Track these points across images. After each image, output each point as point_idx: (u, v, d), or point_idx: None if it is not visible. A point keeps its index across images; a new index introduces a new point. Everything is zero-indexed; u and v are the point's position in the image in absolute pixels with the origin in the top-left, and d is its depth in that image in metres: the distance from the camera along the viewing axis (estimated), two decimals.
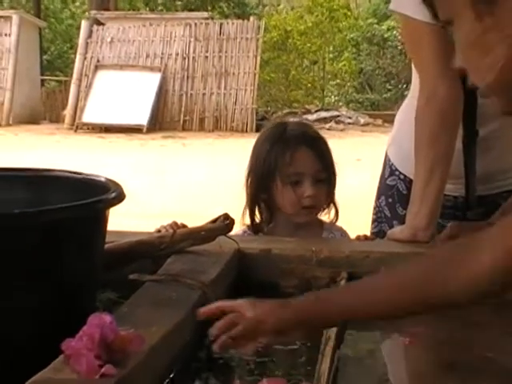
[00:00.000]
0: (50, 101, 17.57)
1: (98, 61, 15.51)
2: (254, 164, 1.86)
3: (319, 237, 1.86)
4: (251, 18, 16.27)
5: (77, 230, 1.16)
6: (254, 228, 1.88)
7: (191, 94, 15.21)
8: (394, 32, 20.01)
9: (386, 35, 21.00)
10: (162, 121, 15.08)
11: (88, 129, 14.80)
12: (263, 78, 18.32)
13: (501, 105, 1.07)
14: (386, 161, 2.03)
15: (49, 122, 16.78)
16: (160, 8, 22.32)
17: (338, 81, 21.98)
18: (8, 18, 16.11)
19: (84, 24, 16.07)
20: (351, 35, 21.91)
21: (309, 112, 16.57)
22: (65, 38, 24.38)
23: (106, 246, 1.33)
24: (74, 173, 1.41)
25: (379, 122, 16.15)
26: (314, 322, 1.07)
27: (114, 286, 1.44)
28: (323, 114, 16.53)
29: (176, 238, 1.48)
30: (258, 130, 11.46)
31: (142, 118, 14.44)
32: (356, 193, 5.45)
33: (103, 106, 14.52)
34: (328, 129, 14.23)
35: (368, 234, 1.93)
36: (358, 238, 1.79)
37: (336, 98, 21.91)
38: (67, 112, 15.45)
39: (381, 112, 18.11)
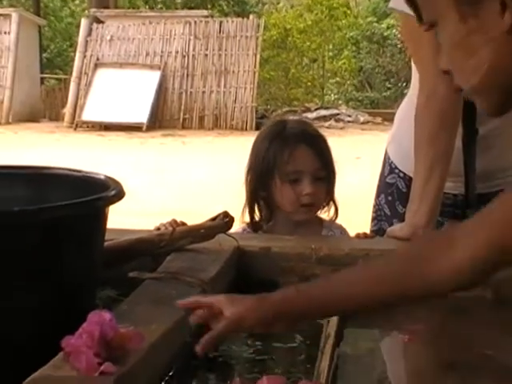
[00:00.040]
0: (49, 99, 17.54)
1: (98, 59, 15.50)
2: (254, 162, 1.86)
3: (319, 235, 1.86)
4: (251, 17, 16.26)
5: (76, 228, 1.16)
6: (254, 226, 1.88)
7: (191, 92, 15.20)
8: (394, 30, 19.99)
9: (385, 33, 20.98)
10: (161, 119, 15.07)
11: (88, 127, 14.80)
12: (263, 76, 18.30)
13: (485, 106, 1.08)
14: (386, 159, 2.03)
15: (48, 120, 16.76)
16: (160, 6, 22.29)
17: (338, 79, 21.97)
18: (7, 16, 16.08)
19: (84, 22, 16.05)
20: (351, 33, 21.88)
21: (308, 110, 16.56)
22: (64, 36, 24.34)
23: (106, 243, 1.34)
24: (74, 170, 1.41)
25: (379, 120, 16.14)
26: (294, 316, 1.06)
27: (114, 284, 1.44)
28: (323, 113, 16.52)
29: (175, 235, 1.49)
30: (257, 128, 11.45)
31: (142, 116, 14.43)
32: (356, 191, 5.45)
33: (103, 104, 14.51)
34: (328, 127, 14.22)
35: (368, 231, 1.92)
36: (358, 235, 1.79)
37: (336, 96, 21.90)
38: (67, 110, 15.44)
39: (380, 110, 18.10)
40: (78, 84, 15.37)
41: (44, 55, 20.89)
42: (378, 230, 1.98)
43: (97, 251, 1.25)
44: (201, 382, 1.15)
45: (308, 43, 20.46)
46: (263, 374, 1.04)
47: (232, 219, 1.54)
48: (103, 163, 7.19)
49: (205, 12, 17.30)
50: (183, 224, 1.60)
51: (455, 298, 1.42)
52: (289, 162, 1.80)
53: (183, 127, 14.86)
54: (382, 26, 21.23)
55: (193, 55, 15.33)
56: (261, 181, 1.84)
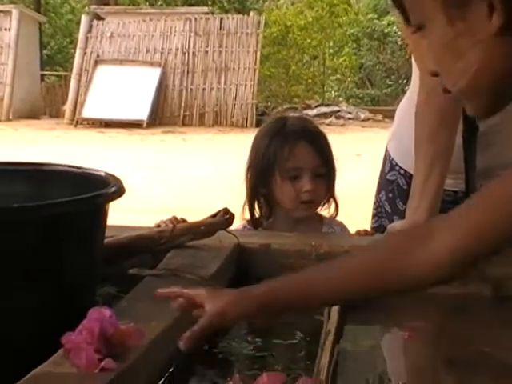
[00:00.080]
0: (49, 96, 17.54)
1: (98, 56, 15.49)
2: (254, 159, 1.86)
3: (319, 232, 1.86)
4: (251, 13, 16.25)
5: (76, 225, 1.16)
6: (254, 223, 1.88)
7: (191, 89, 15.20)
8: (395, 27, 19.97)
9: (386, 30, 20.97)
10: (162, 116, 15.06)
11: (88, 124, 14.79)
12: (263, 73, 18.29)
13: (472, 109, 1.08)
14: (386, 156, 2.03)
15: (49, 116, 16.76)
16: (160, 3, 22.28)
17: (339, 76, 21.97)
18: (8, 13, 16.07)
19: (84, 19, 16.04)
20: (351, 30, 21.88)
21: (309, 107, 16.56)
22: (65, 33, 24.35)
23: (106, 240, 1.34)
24: (74, 167, 1.41)
25: (379, 117, 16.14)
26: (277, 308, 1.06)
27: (114, 281, 1.44)
28: (323, 110, 16.52)
29: (176, 232, 1.49)
30: (258, 126, 11.44)
31: (142, 113, 14.43)
32: (356, 188, 5.45)
33: (103, 101, 14.51)
34: (328, 124, 14.22)
35: (368, 228, 1.93)
36: (358, 232, 1.79)
37: (336, 93, 21.90)
38: (67, 107, 15.43)
39: (381, 107, 18.09)
40: (79, 81, 15.37)
41: (44, 52, 20.90)
42: (378, 227, 1.98)
43: (97, 248, 1.25)
44: (201, 378, 1.15)
45: (308, 40, 20.46)
46: (263, 370, 1.04)
47: (232, 216, 1.54)
48: (103, 160, 7.19)
49: (205, 9, 17.30)
50: (183, 221, 1.61)
51: (455, 296, 1.43)
52: (289, 159, 1.80)
53: (183, 124, 14.86)
54: (383, 22, 21.22)
55: (193, 52, 15.32)
56: (261, 178, 1.84)
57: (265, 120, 2.08)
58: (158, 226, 1.60)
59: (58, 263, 1.14)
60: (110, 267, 1.34)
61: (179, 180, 8.05)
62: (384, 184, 2.01)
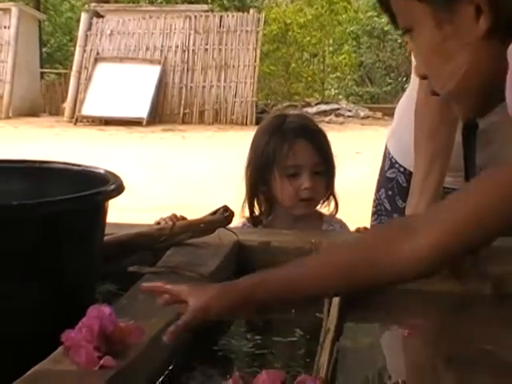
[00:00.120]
0: (49, 93, 17.53)
1: (98, 53, 15.48)
2: (253, 156, 1.86)
3: (319, 229, 1.86)
4: (251, 11, 16.23)
5: (76, 222, 1.16)
6: (254, 220, 1.88)
7: (191, 87, 15.19)
8: None
9: (386, 28, 20.93)
10: (161, 113, 15.06)
11: (88, 121, 14.79)
12: (263, 71, 18.27)
13: (461, 111, 1.08)
14: (386, 153, 2.03)
15: (48, 114, 16.75)
16: (160, 0, 22.25)
17: (338, 74, 21.94)
18: (7, 11, 16.06)
19: (83, 16, 16.03)
20: (351, 28, 21.85)
21: (309, 105, 16.54)
22: (64, 31, 24.32)
23: (106, 238, 1.33)
24: (73, 165, 1.41)
25: (379, 115, 16.13)
26: (261, 303, 1.07)
27: (114, 278, 1.44)
28: (323, 107, 16.50)
29: (175, 230, 1.49)
30: (257, 123, 11.41)
31: (142, 111, 14.42)
32: (356, 185, 5.45)
33: (103, 99, 14.50)
34: (328, 122, 14.21)
35: (368, 226, 1.92)
36: (358, 230, 1.79)
37: (336, 91, 21.88)
38: (67, 105, 15.43)
39: (381, 105, 18.08)
40: (78, 78, 15.36)
41: (44, 50, 20.87)
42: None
43: (96, 245, 1.25)
44: (200, 376, 1.15)
45: (308, 38, 20.43)
46: (263, 368, 1.03)
47: (232, 214, 1.54)
48: (103, 158, 7.19)
49: (205, 6, 17.28)
50: (183, 218, 1.60)
51: (455, 294, 1.43)
52: (288, 157, 1.79)
53: (183, 122, 14.85)
54: (383, 20, 21.17)
55: (193, 50, 15.31)
56: (260, 175, 1.84)
57: (264, 118, 2.08)
58: (158, 223, 1.60)
59: (58, 261, 1.14)
60: (110, 265, 1.34)
61: (179, 178, 8.05)
62: (384, 182, 2.01)
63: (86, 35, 15.66)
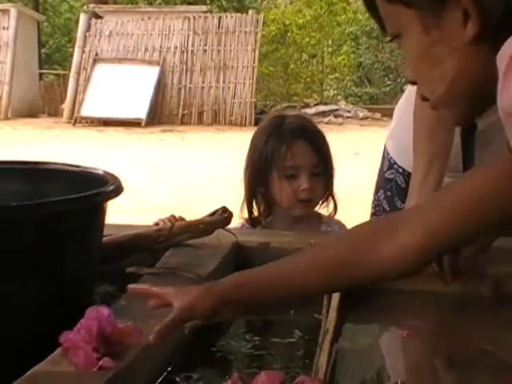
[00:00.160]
0: (48, 94, 17.52)
1: (97, 54, 15.48)
2: (252, 157, 1.86)
3: (318, 230, 1.86)
4: (250, 12, 16.23)
5: (75, 223, 1.16)
6: (252, 221, 1.88)
7: (190, 88, 15.19)
8: None
9: None
10: (160, 114, 15.06)
11: (87, 122, 14.79)
12: (262, 72, 18.28)
13: (451, 116, 1.08)
14: (385, 154, 2.03)
15: (47, 115, 16.75)
16: (158, 1, 22.25)
17: (337, 75, 21.95)
18: (6, 12, 16.06)
19: (82, 17, 16.03)
20: (350, 29, 21.86)
21: (308, 106, 16.55)
22: (63, 32, 24.33)
23: (104, 238, 1.33)
24: (72, 166, 1.41)
25: (378, 115, 16.13)
26: (243, 303, 1.07)
27: (112, 279, 1.44)
28: (322, 108, 16.51)
29: (174, 231, 1.48)
30: (256, 124, 11.41)
31: (141, 112, 14.42)
32: (354, 186, 5.45)
33: (102, 100, 14.51)
34: (327, 123, 14.21)
35: None
36: None
37: (335, 91, 21.88)
38: (66, 106, 15.43)
39: (379, 106, 18.08)
40: (77, 79, 15.36)
41: (43, 51, 20.88)
42: None
43: (95, 246, 1.25)
44: (199, 377, 1.15)
45: (307, 39, 20.44)
46: (261, 369, 1.03)
47: (231, 214, 1.54)
48: (102, 159, 7.19)
49: (204, 7, 17.30)
50: (182, 219, 1.60)
51: (455, 295, 1.43)
52: (286, 157, 1.79)
53: (182, 123, 14.85)
54: None
55: (192, 51, 15.31)
56: (259, 176, 1.84)
57: (263, 118, 2.08)
58: (157, 224, 1.60)
59: (57, 261, 1.14)
60: (109, 266, 1.34)
61: (178, 178, 8.05)
62: (382, 182, 2.01)
63: (85, 36, 15.66)
